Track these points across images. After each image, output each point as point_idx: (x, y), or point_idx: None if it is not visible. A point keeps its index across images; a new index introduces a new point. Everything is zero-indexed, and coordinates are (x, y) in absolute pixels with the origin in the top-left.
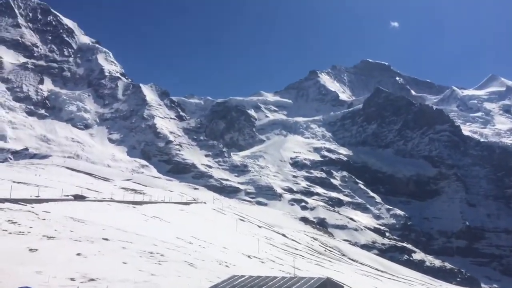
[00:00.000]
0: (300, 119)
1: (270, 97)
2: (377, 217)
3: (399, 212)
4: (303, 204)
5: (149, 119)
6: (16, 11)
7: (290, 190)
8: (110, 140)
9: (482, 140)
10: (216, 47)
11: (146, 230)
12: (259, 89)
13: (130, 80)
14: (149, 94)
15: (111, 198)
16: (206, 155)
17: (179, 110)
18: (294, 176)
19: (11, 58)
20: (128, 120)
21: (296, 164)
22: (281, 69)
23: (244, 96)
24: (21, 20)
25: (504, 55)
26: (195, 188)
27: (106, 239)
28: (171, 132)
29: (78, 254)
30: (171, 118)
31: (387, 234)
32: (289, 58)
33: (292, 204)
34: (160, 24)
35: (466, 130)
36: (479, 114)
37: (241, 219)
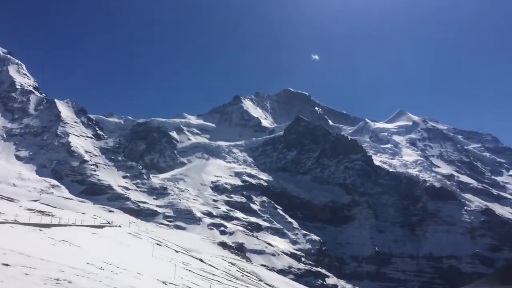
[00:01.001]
0: (222, 143)
1: (193, 120)
2: (294, 242)
3: (314, 237)
4: (222, 228)
5: (63, 136)
6: None
7: (210, 214)
8: (18, 158)
9: (391, 170)
10: (139, 66)
11: (53, 255)
12: (182, 111)
13: (44, 94)
14: (65, 110)
15: (15, 220)
16: (124, 177)
17: (97, 128)
18: (214, 200)
19: None
20: (40, 136)
21: (217, 188)
22: (205, 92)
23: (167, 117)
24: None
25: (411, 91)
26: (110, 211)
27: (7, 265)
28: (86, 151)
29: None
30: (87, 136)
31: (303, 259)
32: (213, 82)
33: (211, 229)
34: (80, 37)
35: (377, 160)
36: (388, 145)
37: (158, 244)
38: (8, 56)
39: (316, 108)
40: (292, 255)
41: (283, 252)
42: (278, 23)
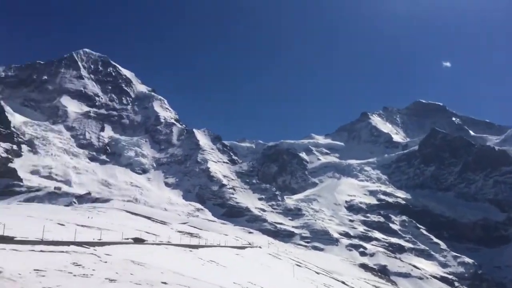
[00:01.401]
0: (353, 161)
1: (321, 139)
2: (444, 265)
3: (467, 259)
4: (361, 249)
5: (202, 163)
6: (79, 64)
7: (347, 235)
8: (167, 184)
9: None
10: (266, 92)
11: (203, 274)
12: (309, 132)
13: (184, 125)
14: (202, 138)
15: (169, 242)
16: (260, 199)
17: (231, 154)
18: (350, 220)
19: (75, 107)
20: (183, 164)
21: (352, 207)
22: (331, 111)
23: (295, 139)
24: (84, 72)
25: None
26: (250, 232)
27: (165, 283)
28: (224, 176)
29: None
30: (224, 162)
31: (456, 283)
32: (339, 100)
33: (350, 250)
34: (213, 73)
35: None
36: None
37: (297, 265)
38: (152, 93)
39: (454, 119)
40: (442, 279)
41: (431, 276)
42: (404, 34)
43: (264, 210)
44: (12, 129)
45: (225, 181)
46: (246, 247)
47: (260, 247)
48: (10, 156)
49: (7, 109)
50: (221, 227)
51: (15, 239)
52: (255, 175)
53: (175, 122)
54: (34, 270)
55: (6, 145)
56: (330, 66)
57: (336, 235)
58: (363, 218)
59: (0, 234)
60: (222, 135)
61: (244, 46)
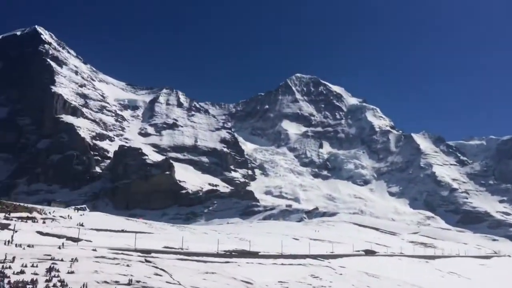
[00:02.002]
0: None
1: None
2: None
3: None
4: None
5: (426, 168)
6: (293, 88)
7: None
8: (390, 193)
9: None
10: (491, 84)
11: (443, 287)
12: None
13: (400, 131)
14: (422, 142)
15: (401, 253)
16: (500, 201)
17: (459, 154)
18: None
19: (294, 129)
20: (405, 171)
21: None
22: None
23: None
24: (298, 95)
25: None
26: (494, 239)
27: None
28: (453, 179)
29: None
30: (450, 164)
31: None
32: None
33: None
34: (421, 71)
35: None
36: None
37: None
38: (364, 104)
39: None
40: None
41: None
42: None
43: (508, 214)
44: (246, 156)
45: (455, 185)
46: (492, 256)
47: (509, 255)
48: (247, 180)
49: (240, 139)
50: (457, 236)
51: (259, 253)
52: (491, 175)
53: (390, 129)
54: (279, 281)
55: (243, 171)
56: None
57: None
58: None
59: (247, 250)
60: (444, 135)
61: (447, 42)
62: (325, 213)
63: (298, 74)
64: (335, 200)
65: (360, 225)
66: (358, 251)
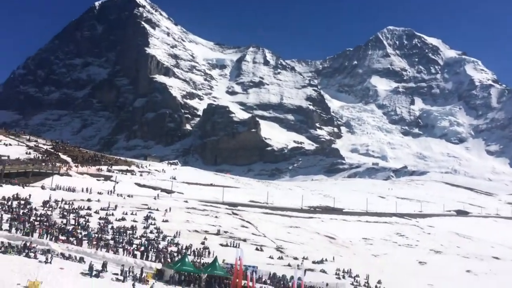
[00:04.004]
0: None
1: None
2: None
3: None
4: None
5: None
6: (385, 42)
7: None
8: (488, 152)
9: None
10: None
11: None
12: None
13: (504, 85)
14: None
15: (497, 214)
16: None
17: None
18: None
19: (384, 85)
20: (507, 129)
21: None
22: None
23: None
24: (389, 50)
25: None
26: None
27: (497, 258)
28: None
29: (468, 271)
30: None
31: None
32: None
33: None
34: None
35: None
36: None
37: None
38: (463, 56)
39: None
40: None
41: None
42: None
43: None
44: (332, 113)
45: None
46: None
47: None
48: (332, 138)
49: (326, 96)
50: None
51: (344, 210)
52: None
53: (493, 84)
54: (363, 238)
55: (328, 129)
56: None
57: None
58: None
59: (331, 206)
60: None
61: None
62: (414, 172)
63: (390, 27)
64: (425, 159)
65: (452, 185)
66: (449, 211)
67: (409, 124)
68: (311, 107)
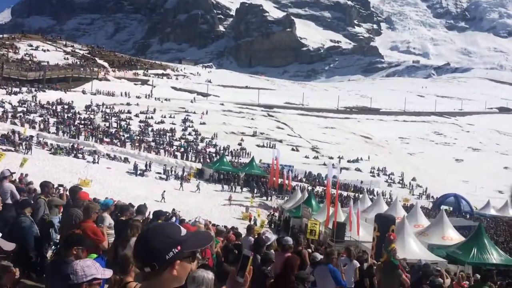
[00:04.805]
0: None
1: None
2: None
3: None
4: None
5: None
6: None
7: None
8: None
9: None
10: None
11: None
12: None
13: None
14: None
15: None
16: None
17: None
18: None
19: None
20: None
21: None
22: None
23: None
24: None
25: None
26: None
27: None
28: None
29: (505, 168)
30: None
31: None
32: None
33: None
34: None
35: None
36: None
37: None
38: None
39: None
40: None
41: None
42: None
43: None
44: (372, 9)
45: None
46: None
47: None
48: (371, 35)
49: None
50: None
51: (380, 110)
52: None
53: None
54: (399, 137)
55: (367, 25)
56: None
57: None
58: None
59: (368, 106)
60: None
61: None
62: (457, 68)
63: None
64: (470, 55)
65: (497, 81)
66: (491, 108)
67: (455, 17)
68: (349, 2)
